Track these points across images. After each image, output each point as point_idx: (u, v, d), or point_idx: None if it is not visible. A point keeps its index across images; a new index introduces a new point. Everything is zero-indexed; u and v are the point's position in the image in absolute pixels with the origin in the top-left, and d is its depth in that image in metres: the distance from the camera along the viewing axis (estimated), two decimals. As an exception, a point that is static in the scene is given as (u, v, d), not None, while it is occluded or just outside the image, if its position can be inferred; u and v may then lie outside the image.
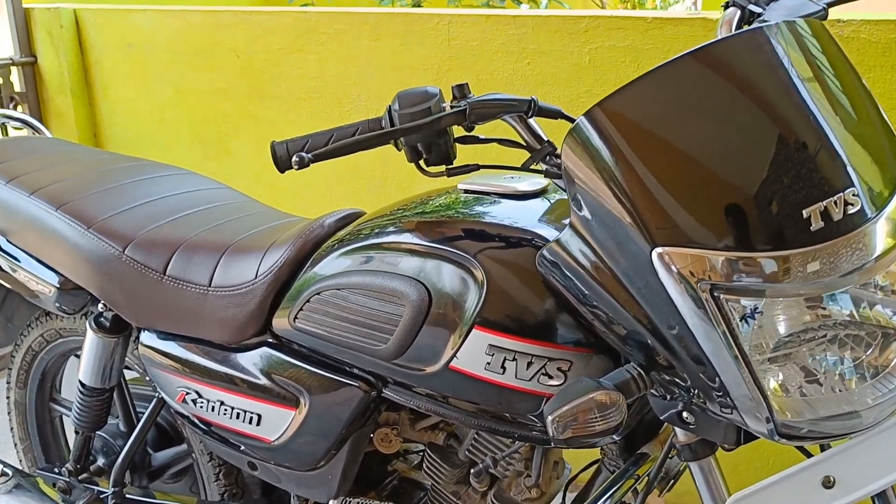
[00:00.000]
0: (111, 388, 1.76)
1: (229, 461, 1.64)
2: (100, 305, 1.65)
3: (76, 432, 1.80)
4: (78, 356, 1.97)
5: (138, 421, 1.96)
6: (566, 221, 1.10)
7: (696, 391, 1.02)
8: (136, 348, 1.78)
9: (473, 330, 1.19)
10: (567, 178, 1.04)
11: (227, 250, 1.52)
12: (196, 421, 1.59)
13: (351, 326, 1.32)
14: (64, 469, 1.84)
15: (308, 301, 1.38)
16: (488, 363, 1.19)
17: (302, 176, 2.98)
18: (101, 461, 1.96)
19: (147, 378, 1.80)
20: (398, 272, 1.27)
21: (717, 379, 0.96)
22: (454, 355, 1.22)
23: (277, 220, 1.65)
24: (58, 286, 1.68)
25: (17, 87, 3.53)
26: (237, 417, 1.51)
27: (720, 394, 0.97)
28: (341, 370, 1.40)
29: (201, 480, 1.83)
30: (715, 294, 0.92)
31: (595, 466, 1.43)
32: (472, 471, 1.40)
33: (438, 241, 1.25)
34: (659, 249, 0.94)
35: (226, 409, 1.52)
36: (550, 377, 1.17)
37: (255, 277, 1.46)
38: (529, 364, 1.17)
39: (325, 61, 2.81)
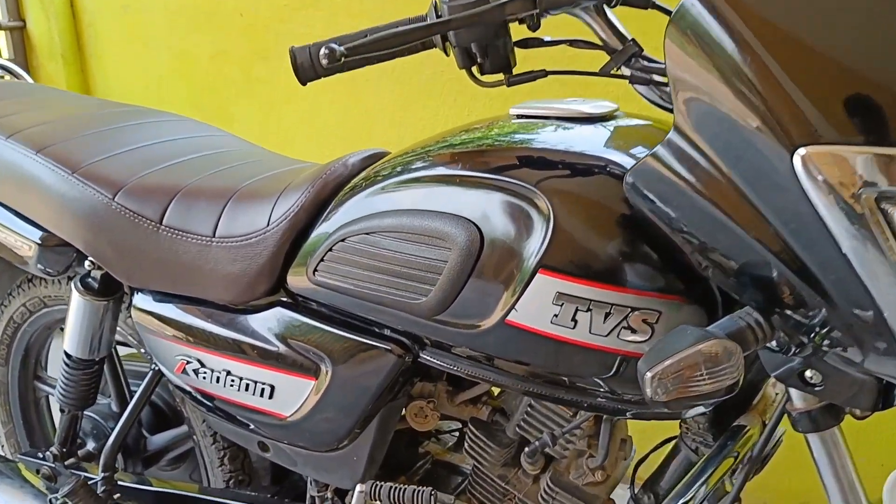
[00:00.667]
0: (100, 359, 1.55)
1: (236, 442, 1.42)
2: (87, 263, 1.43)
3: (61, 411, 1.58)
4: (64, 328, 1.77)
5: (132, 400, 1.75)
6: (641, 149, 0.89)
7: (833, 339, 0.80)
8: (129, 316, 1.57)
9: (537, 275, 0.98)
10: (673, 76, 0.82)
11: (234, 196, 1.31)
12: (198, 395, 1.38)
13: (383, 277, 1.11)
14: (48, 453, 1.62)
15: (330, 250, 1.16)
16: (555, 315, 0.98)
17: (313, 140, 2.77)
18: (90, 445, 1.75)
19: (142, 351, 1.59)
20: (442, 210, 1.05)
21: (874, 315, 0.74)
22: (512, 307, 1.01)
23: (289, 165, 1.44)
24: (39, 243, 1.47)
25: (5, 54, 3.31)
26: (246, 389, 1.30)
27: (877, 336, 0.75)
28: (370, 331, 1.18)
29: (203, 466, 1.62)
30: (882, 205, 0.70)
31: (671, 444, 1.21)
32: (525, 450, 1.19)
33: (492, 170, 1.03)
34: (802, 151, 0.73)
35: (232, 381, 1.31)
36: (633, 331, 0.96)
37: (268, 225, 1.24)
38: (608, 315, 0.96)
39: (335, 17, 2.59)
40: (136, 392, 1.76)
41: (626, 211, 0.96)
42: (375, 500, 1.18)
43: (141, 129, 1.55)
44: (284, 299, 1.27)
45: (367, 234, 1.12)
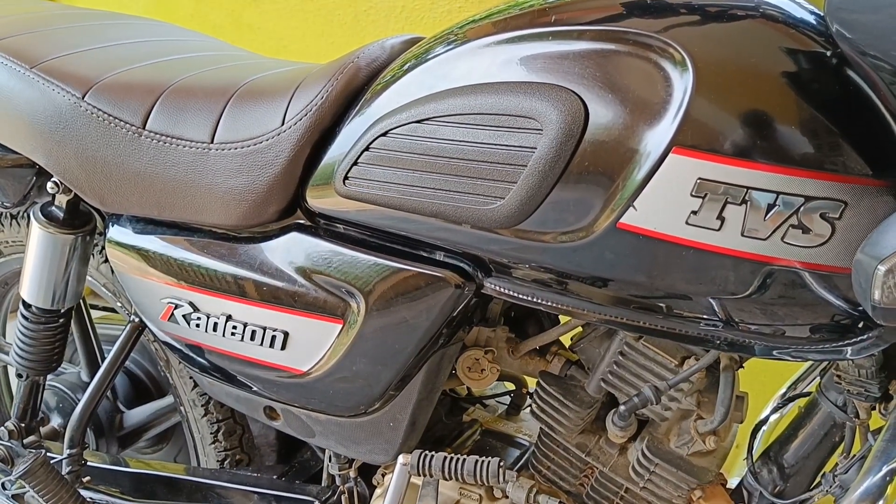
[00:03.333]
0: (66, 311, 1.26)
1: (236, 409, 1.14)
2: (49, 185, 1.14)
3: (18, 376, 1.29)
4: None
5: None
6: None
7: None
8: (104, 260, 1.28)
9: (669, 157, 0.71)
10: None
11: (235, 94, 1.03)
12: (188, 350, 1.10)
13: (440, 178, 0.83)
14: (2, 429, 1.33)
15: (367, 150, 0.89)
16: (693, 213, 0.72)
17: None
18: (55, 422, 1.46)
19: (119, 304, 1.31)
20: (528, 79, 0.78)
21: None
22: (629, 205, 0.74)
23: (296, 65, 1.16)
24: (-11, 163, 1.18)
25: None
26: (251, 339, 1.02)
27: None
28: (416, 256, 0.91)
29: (193, 444, 1.34)
30: None
31: (805, 402, 0.95)
32: (619, 410, 0.92)
33: (600, 20, 0.76)
34: None
35: (234, 327, 1.03)
36: (805, 231, 0.69)
37: (282, 125, 0.96)
38: (770, 209, 0.69)
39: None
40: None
41: (795, 65, 0.70)
42: (422, 476, 0.90)
43: (112, 28, 1.27)
44: (301, 221, 0.99)
45: (418, 122, 0.85)
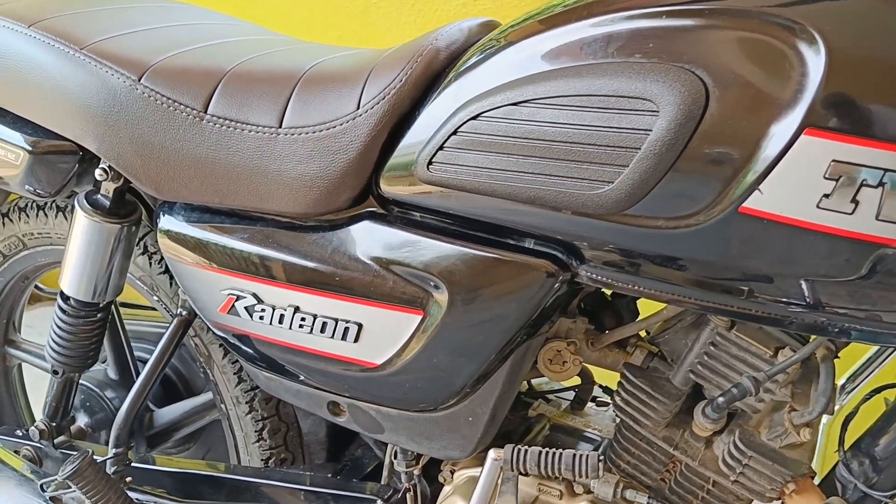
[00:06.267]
0: (105, 306, 1.21)
1: (297, 405, 1.10)
2: (98, 172, 1.09)
3: (54, 373, 1.24)
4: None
5: (135, 369, 1.42)
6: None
7: None
8: (143, 251, 1.24)
9: (801, 138, 0.69)
10: None
11: (302, 79, 0.99)
12: (246, 344, 1.06)
13: (541, 163, 0.80)
14: (32, 430, 1.28)
15: (455, 134, 0.85)
16: (825, 196, 0.69)
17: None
18: (82, 421, 1.41)
19: (155, 297, 1.26)
20: (643, 59, 0.75)
21: None
22: (753, 188, 0.72)
23: (357, 50, 1.12)
24: (30, 149, 1.12)
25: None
26: (321, 331, 0.98)
27: None
28: (504, 243, 0.88)
29: (234, 443, 1.29)
30: None
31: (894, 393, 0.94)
32: (716, 402, 0.89)
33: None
34: None
35: (302, 319, 0.99)
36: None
37: (357, 109, 0.93)
38: (911, 190, 0.67)
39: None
40: (139, 360, 1.45)
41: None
42: (515, 471, 0.87)
43: (153, 11, 1.22)
44: (373, 209, 0.96)
45: (514, 105, 0.82)
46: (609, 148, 0.77)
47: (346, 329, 0.97)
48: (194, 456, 1.51)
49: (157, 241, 1.25)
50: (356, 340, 0.97)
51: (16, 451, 1.32)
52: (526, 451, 0.86)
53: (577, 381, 1.14)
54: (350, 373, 0.99)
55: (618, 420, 0.99)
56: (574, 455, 0.85)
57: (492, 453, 0.88)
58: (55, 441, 1.29)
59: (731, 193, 0.73)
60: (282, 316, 1.00)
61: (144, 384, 1.17)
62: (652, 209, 0.77)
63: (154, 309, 1.53)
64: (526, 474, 0.87)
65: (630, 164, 0.76)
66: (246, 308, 1.02)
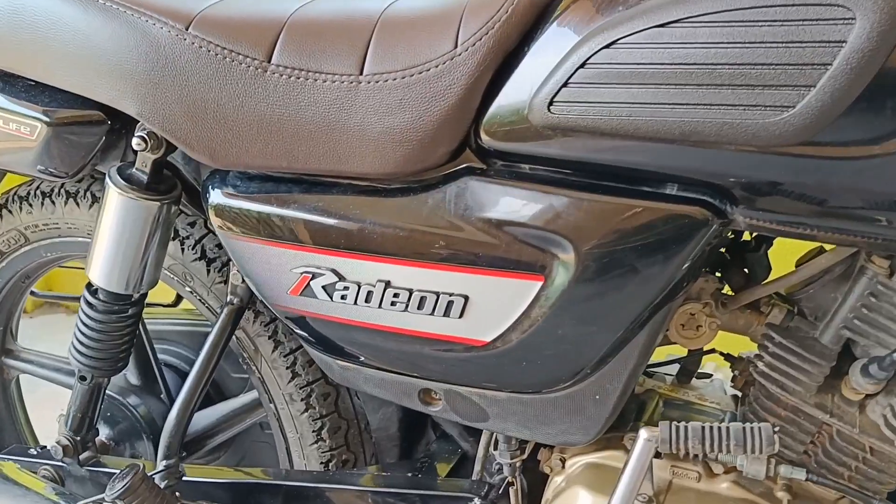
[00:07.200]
0: (139, 299, 1.06)
1: (380, 396, 0.96)
2: (135, 142, 0.94)
3: (81, 379, 1.08)
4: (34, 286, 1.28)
5: (159, 372, 1.28)
6: None
7: None
8: (176, 234, 1.10)
9: None
10: None
11: (381, 19, 0.86)
12: (321, 328, 0.93)
13: (696, 92, 0.69)
14: (55, 447, 1.12)
15: (583, 66, 0.73)
16: None
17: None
18: (102, 433, 1.26)
19: (188, 287, 1.12)
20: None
21: None
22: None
23: None
24: (48, 120, 0.97)
25: None
26: (418, 307, 0.85)
27: None
28: (640, 192, 0.77)
29: (286, 446, 1.16)
30: None
31: None
32: (881, 360, 0.79)
33: None
34: None
35: (395, 296, 0.86)
36: None
37: (455, 47, 0.80)
38: None
39: None
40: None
41: None
42: (675, 451, 0.76)
43: None
44: (472, 164, 0.83)
45: (660, 27, 0.70)
46: (790, 67, 0.66)
47: (450, 303, 0.84)
48: (226, 466, 1.37)
49: (191, 224, 1.12)
50: (461, 316, 0.84)
51: (32, 472, 1.17)
52: (686, 427, 0.75)
53: (681, 351, 1.03)
54: (451, 354, 0.87)
55: (754, 388, 0.88)
56: (744, 428, 0.74)
57: (644, 433, 0.76)
58: (80, 458, 1.13)
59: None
60: (369, 293, 0.87)
61: (196, 384, 1.03)
62: (840, 135, 0.66)
63: (172, 306, 1.39)
64: (686, 455, 0.76)
65: (817, 84, 0.65)
66: (324, 287, 0.89)
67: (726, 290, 0.91)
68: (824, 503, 0.88)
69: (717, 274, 0.90)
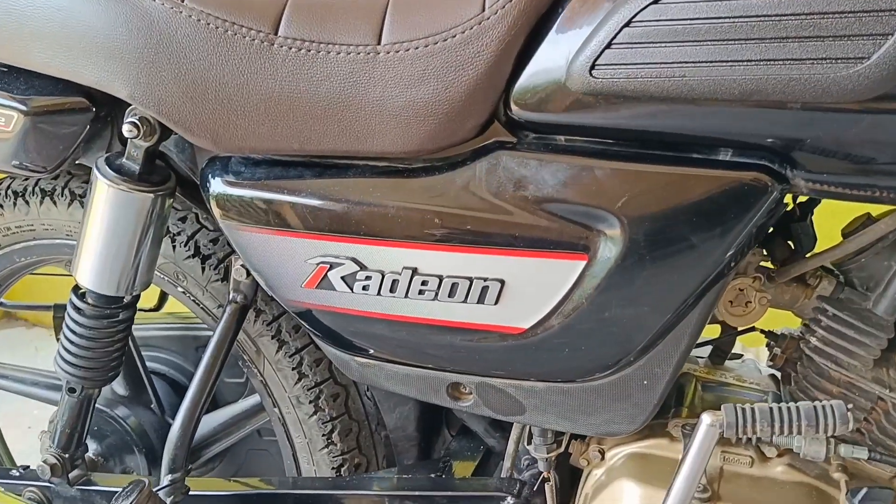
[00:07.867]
0: (131, 302, 0.98)
1: (404, 393, 0.89)
2: (126, 128, 0.85)
3: (71, 391, 0.99)
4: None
5: (148, 380, 1.20)
6: None
7: None
8: (167, 231, 1.02)
9: None
10: None
11: (395, -14, 0.79)
12: (339, 323, 0.86)
13: (757, 47, 0.64)
14: (43, 466, 1.03)
15: (628, 25, 0.68)
16: None
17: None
18: (90, 448, 1.17)
19: (180, 287, 1.04)
20: None
21: None
22: None
23: None
24: (25, 108, 0.88)
25: None
26: (449, 294, 0.79)
27: None
28: (692, 160, 0.71)
29: (292, 452, 1.08)
30: None
31: None
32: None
33: None
34: None
35: (423, 284, 0.80)
36: None
37: (483, 10, 0.74)
38: None
39: None
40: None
41: None
42: (741, 437, 0.71)
43: None
44: (503, 139, 0.77)
45: (717, -22, 0.65)
46: (863, 14, 0.61)
47: (484, 289, 0.78)
48: (220, 477, 1.29)
49: (181, 219, 1.04)
50: (496, 302, 0.78)
51: (17, 494, 1.08)
52: (753, 409, 0.70)
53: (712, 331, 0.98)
54: (485, 344, 0.81)
55: (801, 366, 0.84)
56: (816, 407, 0.69)
57: (706, 418, 0.71)
58: (70, 476, 1.05)
59: None
60: (394, 282, 0.80)
61: (200, 391, 0.95)
62: (921, 86, 0.62)
63: (154, 310, 1.30)
64: (749, 440, 0.71)
65: (895, 32, 0.60)
66: (343, 278, 0.82)
67: (767, 263, 0.86)
68: (880, 482, 0.84)
69: (759, 247, 0.86)
